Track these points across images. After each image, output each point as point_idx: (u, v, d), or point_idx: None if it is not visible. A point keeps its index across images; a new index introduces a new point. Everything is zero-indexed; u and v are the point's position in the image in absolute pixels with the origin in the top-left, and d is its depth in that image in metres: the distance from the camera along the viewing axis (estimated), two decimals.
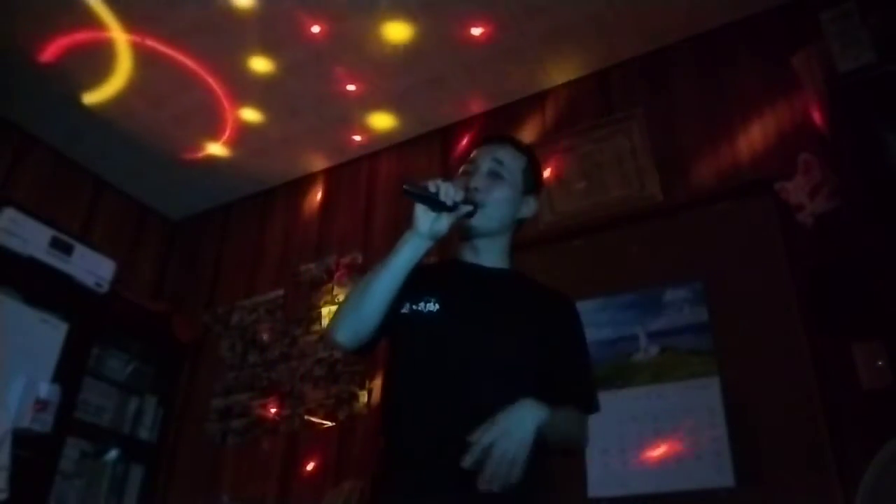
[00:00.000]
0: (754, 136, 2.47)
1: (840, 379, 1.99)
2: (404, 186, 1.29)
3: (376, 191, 3.36)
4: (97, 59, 3.00)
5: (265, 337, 3.28)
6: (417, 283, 1.35)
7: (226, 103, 3.18)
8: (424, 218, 1.31)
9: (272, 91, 3.11)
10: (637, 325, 2.39)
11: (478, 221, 1.41)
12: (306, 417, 2.95)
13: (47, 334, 2.66)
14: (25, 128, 3.36)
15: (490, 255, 1.47)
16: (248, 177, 3.66)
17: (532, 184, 1.53)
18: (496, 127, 3.02)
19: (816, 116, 2.22)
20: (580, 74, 2.97)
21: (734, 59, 2.63)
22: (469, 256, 1.48)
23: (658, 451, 2.21)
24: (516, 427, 1.16)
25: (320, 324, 3.15)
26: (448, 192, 1.30)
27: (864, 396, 1.94)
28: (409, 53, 2.89)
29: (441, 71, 2.98)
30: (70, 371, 2.71)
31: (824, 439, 1.96)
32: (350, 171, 3.49)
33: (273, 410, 3.06)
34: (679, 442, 2.18)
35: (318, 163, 3.55)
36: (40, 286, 2.71)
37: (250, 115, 3.25)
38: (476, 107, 3.16)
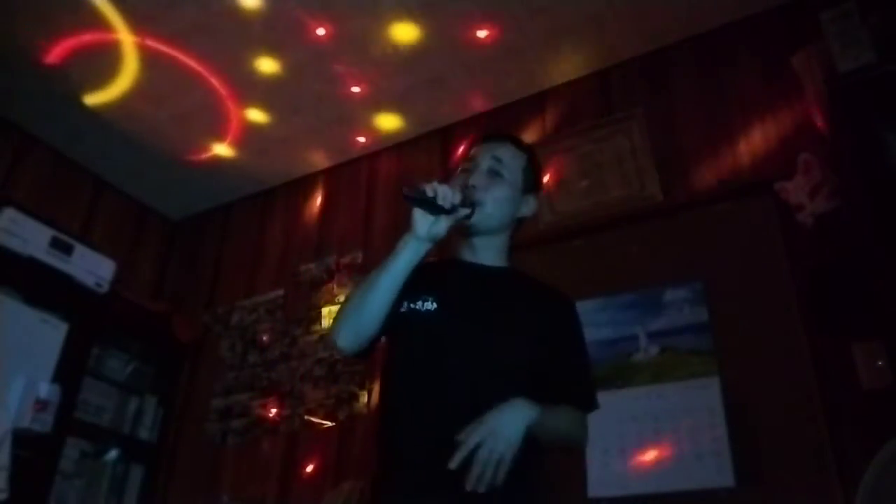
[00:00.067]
0: (754, 136, 2.47)
1: (840, 379, 1.99)
2: (403, 191, 1.29)
3: (376, 191, 3.36)
4: (102, 61, 3.01)
5: (265, 337, 3.28)
6: (415, 281, 1.35)
7: (228, 103, 3.18)
8: (423, 221, 1.30)
9: (272, 91, 3.11)
10: (637, 325, 2.39)
11: (477, 220, 1.41)
12: (306, 417, 2.95)
13: (47, 334, 2.66)
14: (25, 128, 3.36)
15: (488, 253, 1.47)
16: (248, 177, 3.66)
17: (532, 182, 1.53)
18: (496, 127, 3.02)
19: (816, 116, 2.22)
20: (580, 74, 2.97)
21: (734, 59, 2.63)
22: (467, 255, 1.48)
23: (658, 451, 2.21)
24: (504, 426, 1.16)
25: (320, 324, 3.15)
26: (446, 195, 1.30)
27: (864, 396, 1.94)
28: (409, 54, 2.89)
29: (441, 71, 2.98)
30: (70, 371, 2.71)
31: (824, 439, 1.96)
32: (350, 171, 3.49)
33: (273, 410, 3.06)
34: (679, 442, 2.18)
35: (319, 163, 3.55)
36: (40, 286, 2.71)
37: (251, 115, 3.25)
38: (476, 107, 3.16)
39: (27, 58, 2.97)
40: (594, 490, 2.24)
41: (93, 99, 3.18)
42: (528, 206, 1.51)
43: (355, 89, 3.08)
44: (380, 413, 1.40)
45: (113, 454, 3.10)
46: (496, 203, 1.44)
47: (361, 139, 3.38)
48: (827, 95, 2.08)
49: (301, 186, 3.62)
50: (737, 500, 2.02)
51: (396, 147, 3.39)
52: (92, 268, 2.89)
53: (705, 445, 2.13)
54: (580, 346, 1.44)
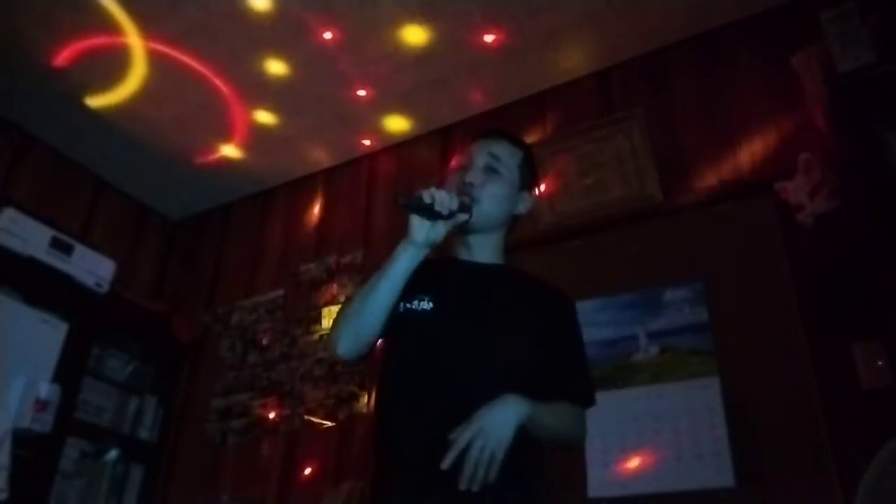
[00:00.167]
0: (754, 136, 2.47)
1: (840, 379, 1.99)
2: (399, 199, 1.28)
3: (376, 191, 3.36)
4: (108, 64, 3.01)
5: (265, 337, 3.28)
6: (412, 281, 1.34)
7: (232, 104, 3.18)
8: (420, 227, 1.30)
9: (275, 92, 3.11)
10: (637, 325, 2.39)
11: (474, 217, 1.40)
12: (306, 417, 2.95)
13: (47, 334, 2.66)
14: (25, 128, 3.36)
15: (484, 251, 1.46)
16: (248, 177, 3.66)
17: (528, 179, 1.52)
18: (497, 126, 3.02)
19: (816, 116, 2.22)
20: (580, 74, 2.97)
21: (734, 59, 2.63)
22: (463, 253, 1.47)
23: (658, 451, 2.21)
24: (494, 424, 1.16)
25: (320, 324, 3.15)
26: (443, 201, 1.29)
27: (864, 396, 1.94)
28: (409, 55, 2.89)
29: (442, 71, 2.98)
30: (70, 371, 2.71)
31: (824, 439, 1.96)
32: (350, 171, 3.49)
33: (273, 411, 3.06)
34: (679, 442, 2.18)
35: (319, 163, 3.55)
36: (40, 286, 2.71)
37: (256, 116, 3.25)
38: (477, 106, 3.16)
39: (28, 58, 2.97)
40: (594, 490, 2.24)
41: (97, 101, 3.19)
42: (524, 203, 1.51)
43: (361, 93, 3.09)
44: (377, 413, 1.40)
45: (113, 454, 3.09)
46: (493, 200, 1.43)
47: (367, 142, 3.39)
48: (827, 95, 2.08)
49: (301, 186, 3.62)
50: (737, 500, 2.02)
51: (396, 147, 3.39)
52: (92, 268, 2.89)
53: (705, 445, 2.13)
54: (577, 343, 1.43)
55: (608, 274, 2.51)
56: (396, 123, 3.27)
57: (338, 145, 3.42)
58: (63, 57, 2.97)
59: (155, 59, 2.98)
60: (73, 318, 2.75)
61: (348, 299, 1.44)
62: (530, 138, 2.86)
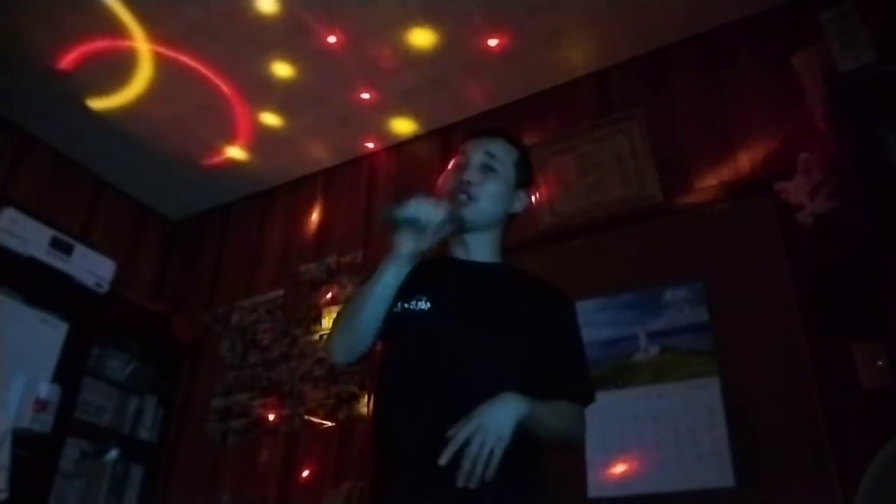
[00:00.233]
0: (754, 136, 2.47)
1: (840, 379, 1.99)
2: (385, 216, 1.28)
3: (376, 191, 3.36)
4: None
5: (265, 337, 3.28)
6: (408, 281, 1.34)
7: (231, 104, 3.18)
8: (406, 240, 1.30)
9: (272, 91, 3.11)
10: (637, 325, 2.39)
11: (472, 216, 1.41)
12: (306, 417, 2.95)
13: (47, 334, 2.65)
14: (25, 128, 3.36)
15: (481, 249, 1.46)
16: (248, 177, 3.66)
17: (523, 177, 1.52)
18: (497, 126, 3.02)
19: (816, 116, 2.22)
20: (580, 74, 2.97)
21: (734, 59, 2.63)
22: (460, 252, 1.47)
23: (658, 451, 2.21)
24: (493, 421, 1.15)
25: (320, 324, 3.15)
26: (430, 214, 1.29)
27: (864, 396, 1.94)
28: (409, 55, 2.89)
29: (442, 71, 2.98)
30: (70, 371, 2.71)
31: (824, 439, 1.96)
32: (350, 171, 3.50)
33: (273, 411, 3.06)
34: (679, 442, 2.18)
35: (319, 162, 3.55)
36: (40, 286, 2.71)
37: (252, 115, 3.24)
38: (477, 107, 3.16)
39: (28, 58, 2.97)
40: (594, 490, 2.24)
41: (101, 104, 3.19)
42: (520, 202, 1.51)
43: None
44: (375, 413, 1.40)
45: (113, 454, 3.09)
46: (490, 198, 1.44)
47: (370, 144, 3.40)
48: (827, 95, 2.08)
49: (301, 186, 3.62)
50: (737, 500, 2.02)
51: (397, 147, 3.39)
52: (92, 268, 2.89)
53: (705, 445, 2.13)
54: (576, 341, 1.43)
55: (608, 274, 2.51)
56: (400, 126, 3.27)
57: (338, 145, 3.42)
58: (68, 60, 2.97)
59: (157, 60, 2.98)
60: (73, 318, 2.75)
61: (342, 309, 1.44)
62: (530, 138, 2.86)
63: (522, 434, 1.19)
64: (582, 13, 2.69)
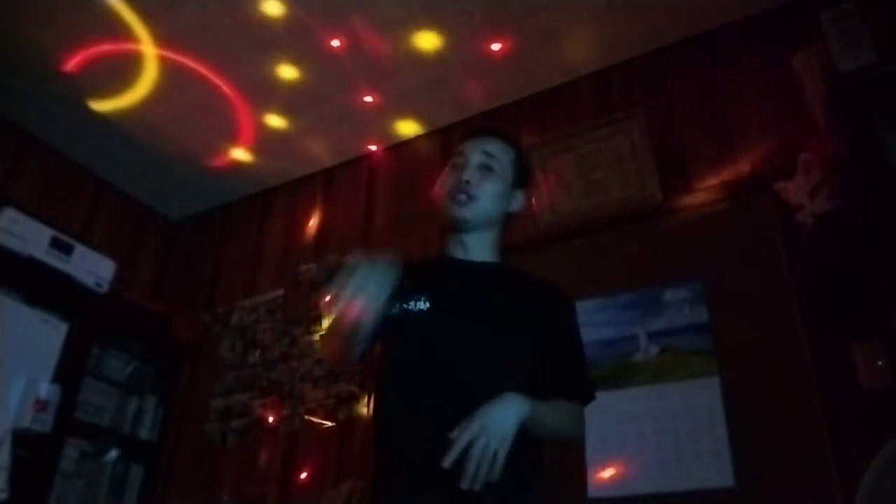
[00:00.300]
0: (754, 136, 2.47)
1: (840, 379, 1.99)
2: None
3: (376, 191, 3.36)
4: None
5: (265, 337, 3.28)
6: (407, 282, 1.34)
7: (231, 104, 3.18)
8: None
9: (273, 92, 3.11)
10: (637, 325, 2.39)
11: (471, 215, 1.41)
12: (306, 417, 2.95)
13: (47, 334, 2.66)
14: (25, 128, 3.36)
15: (480, 249, 1.46)
16: (248, 177, 3.66)
17: (521, 177, 1.53)
18: (497, 127, 3.02)
19: (816, 116, 2.22)
20: (580, 74, 2.97)
21: (734, 59, 2.63)
22: (459, 252, 1.47)
23: (658, 451, 2.21)
24: (496, 422, 1.15)
25: (320, 324, 3.14)
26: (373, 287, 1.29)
27: (864, 396, 1.94)
28: (409, 55, 2.89)
29: (442, 71, 2.98)
30: (70, 371, 2.71)
31: (824, 439, 1.95)
32: (350, 171, 3.50)
33: (273, 411, 3.06)
34: (679, 442, 2.18)
35: (318, 163, 3.55)
36: (40, 286, 2.71)
37: (252, 116, 3.24)
38: (476, 107, 3.16)
39: (28, 58, 2.97)
40: (594, 490, 2.24)
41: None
42: (518, 201, 1.51)
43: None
44: (375, 413, 1.40)
45: (113, 454, 3.09)
46: (490, 198, 1.44)
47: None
48: (827, 95, 2.08)
49: (301, 186, 3.62)
50: (737, 500, 2.02)
51: (397, 147, 3.39)
52: (92, 268, 2.89)
53: (705, 445, 2.13)
54: (575, 339, 1.43)
55: (608, 274, 2.51)
56: (401, 126, 3.27)
57: (338, 145, 3.42)
58: (71, 64, 2.98)
59: (157, 61, 2.98)
60: (73, 318, 2.75)
61: (329, 328, 1.43)
62: (530, 138, 2.86)
63: (523, 434, 1.19)
64: (582, 13, 2.69)
